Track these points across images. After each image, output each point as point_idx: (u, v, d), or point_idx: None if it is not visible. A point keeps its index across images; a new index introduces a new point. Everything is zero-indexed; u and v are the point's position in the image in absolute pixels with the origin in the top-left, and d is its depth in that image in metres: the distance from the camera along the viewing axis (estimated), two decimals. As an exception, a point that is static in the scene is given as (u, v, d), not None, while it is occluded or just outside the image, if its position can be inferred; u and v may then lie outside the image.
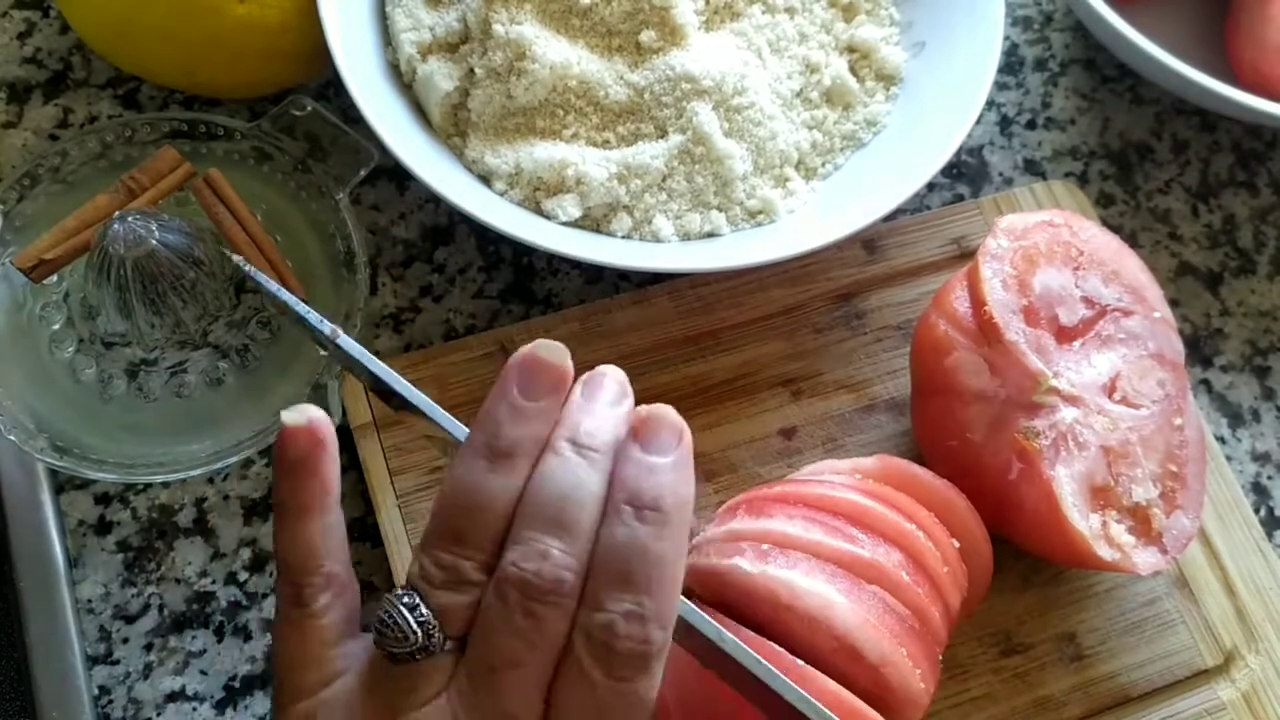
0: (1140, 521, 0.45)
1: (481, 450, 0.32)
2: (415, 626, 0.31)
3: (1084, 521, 0.43)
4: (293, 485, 0.34)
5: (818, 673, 0.40)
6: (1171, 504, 0.45)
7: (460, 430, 0.35)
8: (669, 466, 0.32)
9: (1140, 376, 0.46)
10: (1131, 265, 0.49)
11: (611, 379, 0.34)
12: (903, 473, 0.45)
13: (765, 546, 0.42)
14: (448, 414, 0.35)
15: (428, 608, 0.31)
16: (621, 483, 0.32)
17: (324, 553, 0.34)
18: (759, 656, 0.34)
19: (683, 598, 0.33)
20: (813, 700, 0.33)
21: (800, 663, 0.40)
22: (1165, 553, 0.44)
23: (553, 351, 0.33)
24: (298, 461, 0.34)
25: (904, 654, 0.40)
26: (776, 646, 0.40)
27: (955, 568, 0.43)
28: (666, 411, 0.33)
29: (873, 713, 0.39)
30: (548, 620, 0.31)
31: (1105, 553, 0.43)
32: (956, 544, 0.44)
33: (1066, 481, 0.44)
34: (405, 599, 0.31)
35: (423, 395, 0.36)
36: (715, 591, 0.44)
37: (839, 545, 0.42)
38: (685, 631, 0.34)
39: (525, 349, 0.33)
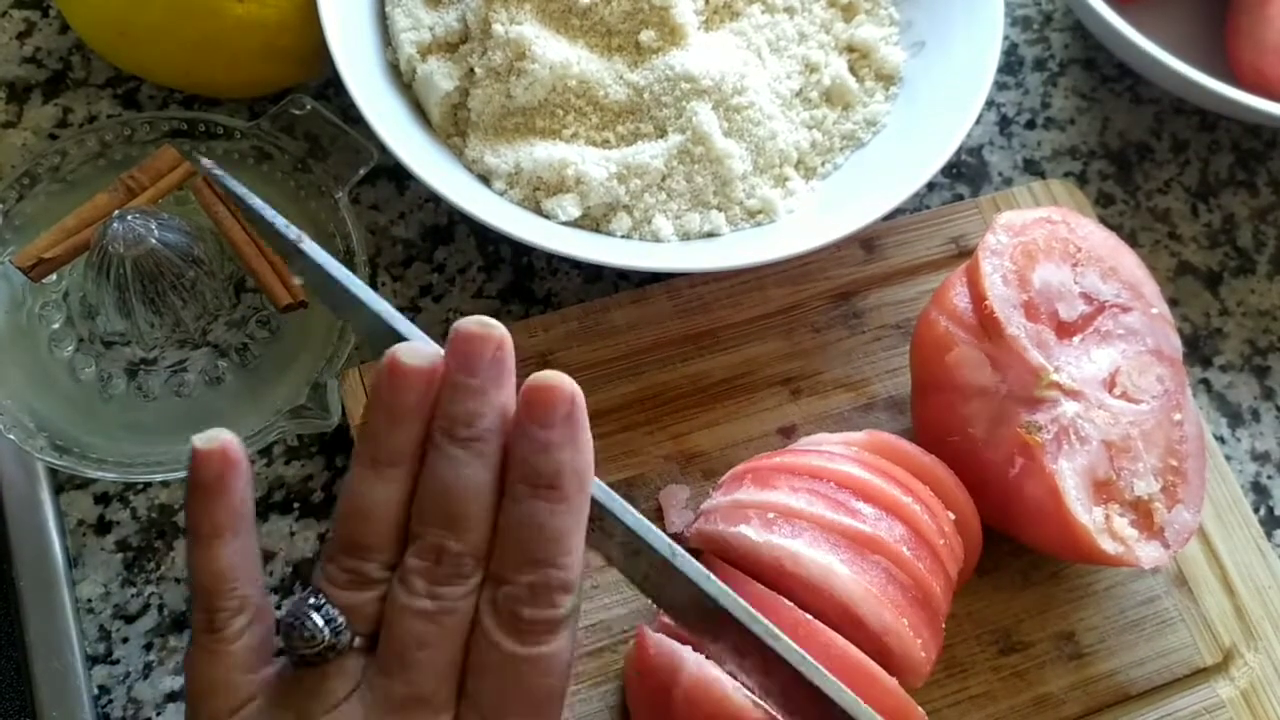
0: (1142, 515, 0.45)
1: (367, 461, 0.33)
2: (322, 624, 0.31)
3: (1087, 515, 0.44)
4: (205, 507, 0.33)
5: (822, 626, 0.40)
6: (1173, 498, 0.45)
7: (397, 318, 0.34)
8: (562, 440, 0.32)
9: (1139, 372, 0.46)
10: (1128, 262, 0.49)
11: (482, 340, 0.33)
12: (892, 447, 0.46)
13: (770, 515, 0.43)
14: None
15: (334, 607, 0.32)
16: (515, 462, 0.32)
17: (236, 576, 0.33)
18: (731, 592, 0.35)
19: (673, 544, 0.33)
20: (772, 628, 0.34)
21: (807, 616, 0.41)
22: (1168, 546, 0.44)
23: (416, 354, 0.33)
24: (209, 483, 0.33)
25: (905, 623, 0.41)
26: (785, 600, 0.41)
27: (952, 540, 0.44)
28: (555, 378, 0.32)
29: (876, 666, 0.40)
30: (452, 599, 0.31)
31: (1109, 546, 0.43)
32: (952, 516, 0.44)
33: (1069, 475, 0.44)
34: (311, 600, 0.32)
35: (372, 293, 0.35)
36: (720, 554, 0.44)
37: (842, 520, 0.42)
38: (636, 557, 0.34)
39: (389, 353, 0.33)
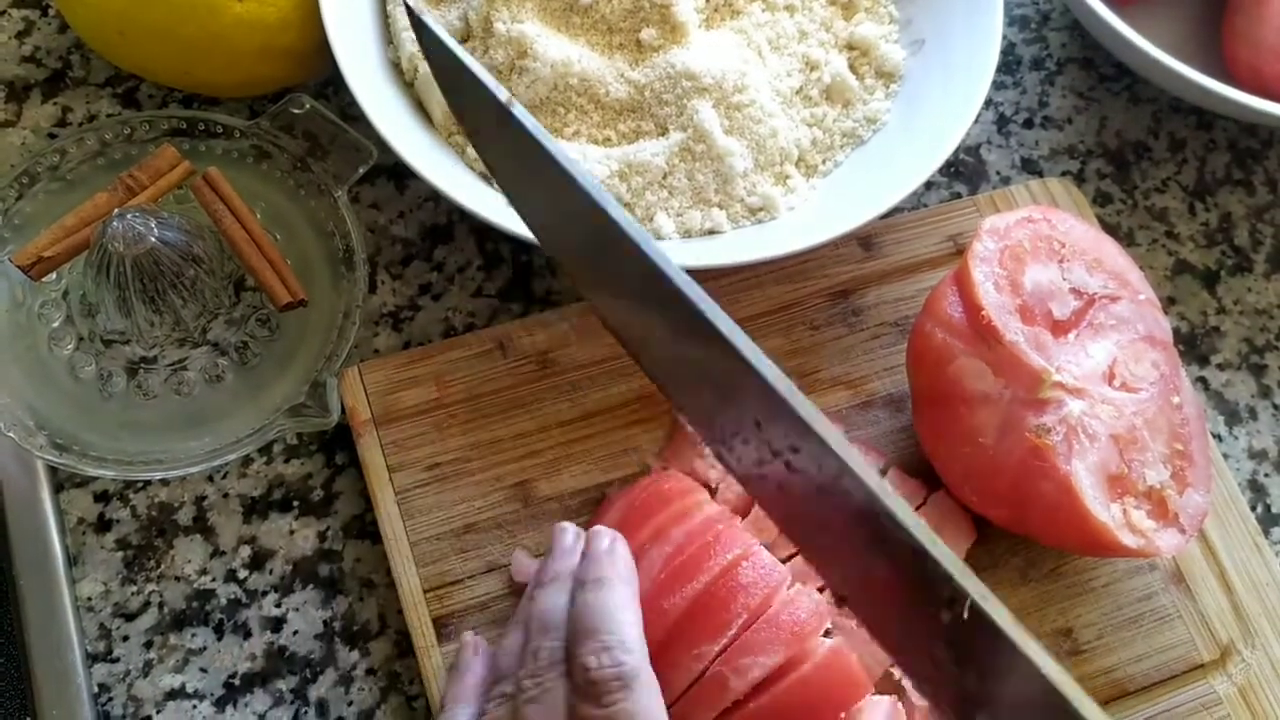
0: (1156, 504, 0.45)
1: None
2: None
3: (1106, 512, 0.44)
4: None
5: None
6: (1182, 482, 0.45)
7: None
8: (603, 550, 0.42)
9: (1135, 360, 0.47)
10: (1110, 251, 0.49)
11: (565, 533, 0.44)
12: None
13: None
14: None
15: None
16: (575, 573, 0.42)
17: None
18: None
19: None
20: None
21: None
22: (1184, 532, 0.45)
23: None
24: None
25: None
26: None
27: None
28: (600, 529, 0.43)
29: None
30: (549, 682, 0.38)
31: (1130, 540, 0.44)
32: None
33: (1084, 475, 0.44)
34: None
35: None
36: None
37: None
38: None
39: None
